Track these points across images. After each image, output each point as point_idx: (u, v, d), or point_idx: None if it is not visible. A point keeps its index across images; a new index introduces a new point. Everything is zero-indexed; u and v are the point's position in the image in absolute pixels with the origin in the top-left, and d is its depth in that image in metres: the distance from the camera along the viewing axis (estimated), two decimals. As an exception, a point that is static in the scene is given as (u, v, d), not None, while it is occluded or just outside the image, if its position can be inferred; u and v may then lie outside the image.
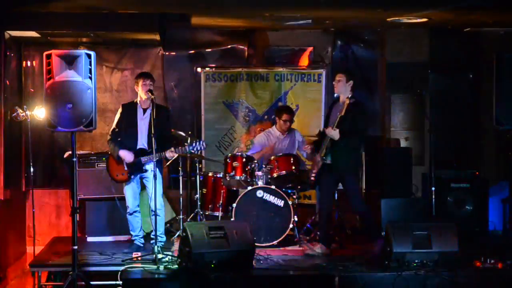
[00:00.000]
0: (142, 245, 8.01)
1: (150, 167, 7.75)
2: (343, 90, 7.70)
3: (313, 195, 9.47)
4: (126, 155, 7.79)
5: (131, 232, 8.05)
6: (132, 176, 7.86)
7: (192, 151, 7.93)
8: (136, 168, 7.83)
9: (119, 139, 7.89)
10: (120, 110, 7.99)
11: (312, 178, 7.93)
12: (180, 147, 7.81)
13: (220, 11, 8.54)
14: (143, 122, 7.83)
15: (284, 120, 8.74)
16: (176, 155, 7.87)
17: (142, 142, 7.84)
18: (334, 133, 7.54)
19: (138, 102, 7.90)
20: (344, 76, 7.68)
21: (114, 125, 7.99)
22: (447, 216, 8.29)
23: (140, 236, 8.05)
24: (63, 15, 8.19)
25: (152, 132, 7.37)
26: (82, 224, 8.67)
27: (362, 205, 7.84)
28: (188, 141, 8.12)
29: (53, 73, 6.56)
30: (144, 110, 7.84)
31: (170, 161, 8.30)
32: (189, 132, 8.57)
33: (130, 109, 7.92)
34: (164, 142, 7.72)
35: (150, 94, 7.56)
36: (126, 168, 7.85)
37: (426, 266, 6.97)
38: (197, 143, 7.90)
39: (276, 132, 8.89)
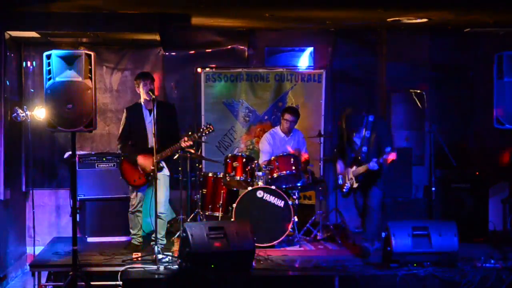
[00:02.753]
0: (139, 244, 8.01)
1: (161, 175, 7.72)
2: (359, 122, 7.74)
3: (313, 195, 9.47)
4: (146, 165, 7.70)
5: (130, 230, 8.05)
6: (150, 178, 7.69)
7: (203, 135, 7.81)
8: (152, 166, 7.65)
9: (129, 142, 7.86)
10: (125, 115, 7.92)
11: (345, 190, 7.90)
12: (191, 134, 7.72)
13: (220, 12, 8.54)
14: (150, 123, 7.66)
15: (286, 120, 8.74)
16: (191, 143, 7.75)
17: (152, 142, 7.62)
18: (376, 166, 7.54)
19: (142, 103, 7.87)
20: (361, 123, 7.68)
21: (121, 131, 7.91)
22: (447, 216, 8.28)
23: (138, 236, 8.04)
24: (63, 16, 8.19)
25: (154, 131, 7.33)
26: (82, 224, 8.67)
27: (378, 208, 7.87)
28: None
29: (53, 73, 6.58)
30: (150, 111, 7.74)
31: (176, 155, 8.22)
32: (189, 133, 8.55)
33: (135, 112, 7.87)
34: (172, 139, 7.73)
35: (151, 94, 7.54)
36: (142, 172, 7.80)
37: (426, 266, 6.98)
38: (203, 127, 7.83)
39: (280, 133, 8.90)
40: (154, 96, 7.47)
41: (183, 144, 7.69)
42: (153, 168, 7.44)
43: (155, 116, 7.36)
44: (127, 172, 7.86)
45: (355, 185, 7.75)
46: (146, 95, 7.71)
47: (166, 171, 7.88)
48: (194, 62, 9.79)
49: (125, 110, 8.00)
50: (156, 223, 7.45)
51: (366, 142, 7.66)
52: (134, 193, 7.92)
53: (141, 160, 7.74)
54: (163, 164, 7.80)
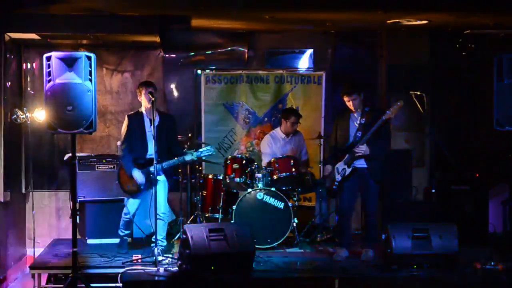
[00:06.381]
0: (130, 242, 8.20)
1: (161, 178, 7.76)
2: (361, 105, 7.73)
3: (313, 197, 9.47)
4: (138, 178, 7.71)
5: (123, 230, 8.13)
6: (142, 187, 7.73)
7: (204, 155, 7.85)
8: (147, 180, 7.71)
9: (129, 152, 7.80)
10: (126, 122, 7.85)
11: (335, 186, 7.83)
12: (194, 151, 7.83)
13: (220, 13, 8.54)
14: (151, 132, 7.61)
15: (292, 122, 8.76)
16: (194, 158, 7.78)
17: (151, 151, 7.64)
18: (366, 149, 7.53)
19: (143, 112, 7.84)
20: (358, 94, 7.69)
21: (124, 139, 7.84)
22: (447, 218, 8.29)
23: (128, 235, 8.22)
24: (63, 17, 8.19)
25: (153, 133, 7.34)
26: (82, 226, 8.67)
27: (376, 213, 7.84)
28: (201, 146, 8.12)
29: (53, 75, 6.58)
30: (151, 120, 7.63)
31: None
32: (189, 135, 8.57)
33: (137, 120, 7.83)
34: (170, 152, 7.75)
35: (150, 96, 7.54)
36: (139, 182, 7.79)
37: (426, 268, 6.98)
38: (207, 148, 7.86)
39: (281, 134, 8.90)
40: (153, 99, 7.44)
41: (187, 158, 7.72)
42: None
43: (154, 117, 7.39)
44: (122, 178, 7.88)
45: (348, 171, 7.68)
46: (148, 104, 7.65)
47: (161, 178, 7.86)
48: (194, 63, 9.80)
49: (126, 118, 7.91)
50: (156, 224, 7.46)
51: (361, 128, 7.66)
52: (130, 200, 7.93)
53: (136, 173, 7.72)
54: (161, 174, 7.77)
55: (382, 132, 7.56)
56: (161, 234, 7.86)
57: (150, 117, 7.65)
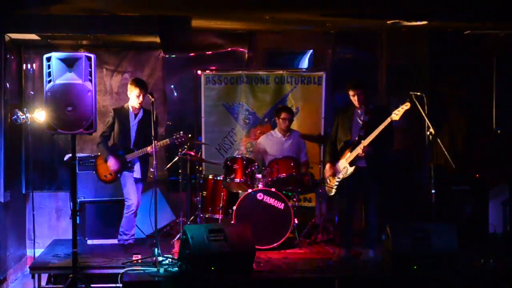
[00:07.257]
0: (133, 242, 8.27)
1: (137, 167, 8.14)
2: (365, 101, 7.72)
3: (313, 197, 9.47)
4: (112, 165, 8.08)
5: (127, 232, 8.19)
6: (119, 175, 8.15)
7: (176, 142, 8.10)
8: (121, 166, 8.11)
9: (108, 142, 8.21)
10: (112, 114, 8.23)
11: (335, 187, 7.82)
12: (159, 141, 7.96)
13: (220, 14, 8.54)
14: (134, 126, 8.17)
15: (283, 119, 8.77)
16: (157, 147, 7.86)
17: (134, 142, 8.18)
18: (370, 149, 7.52)
19: (129, 107, 8.18)
20: (364, 90, 7.69)
21: (106, 129, 8.21)
22: (447, 218, 8.28)
23: (134, 235, 8.32)
24: (64, 18, 8.20)
25: (153, 134, 7.45)
26: (82, 227, 8.67)
27: (376, 213, 7.83)
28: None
29: (53, 76, 6.59)
30: (135, 115, 8.18)
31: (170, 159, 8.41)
32: (189, 135, 8.57)
33: (122, 114, 8.20)
34: (150, 144, 7.95)
35: (150, 96, 7.61)
36: (111, 168, 8.13)
37: (425, 267, 6.97)
38: (177, 134, 8.08)
39: (278, 134, 8.91)
40: (153, 99, 7.55)
41: (149, 150, 7.97)
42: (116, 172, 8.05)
43: (154, 117, 7.50)
44: (100, 168, 8.25)
45: (350, 170, 7.67)
46: (137, 105, 8.10)
47: (136, 174, 8.19)
48: (194, 64, 9.81)
49: (112, 110, 8.31)
50: (156, 224, 7.49)
51: (364, 126, 7.66)
52: (131, 192, 8.12)
53: (110, 161, 8.09)
54: (133, 165, 8.14)
55: (386, 132, 7.55)
56: (124, 227, 8.16)
57: (135, 112, 8.15)
